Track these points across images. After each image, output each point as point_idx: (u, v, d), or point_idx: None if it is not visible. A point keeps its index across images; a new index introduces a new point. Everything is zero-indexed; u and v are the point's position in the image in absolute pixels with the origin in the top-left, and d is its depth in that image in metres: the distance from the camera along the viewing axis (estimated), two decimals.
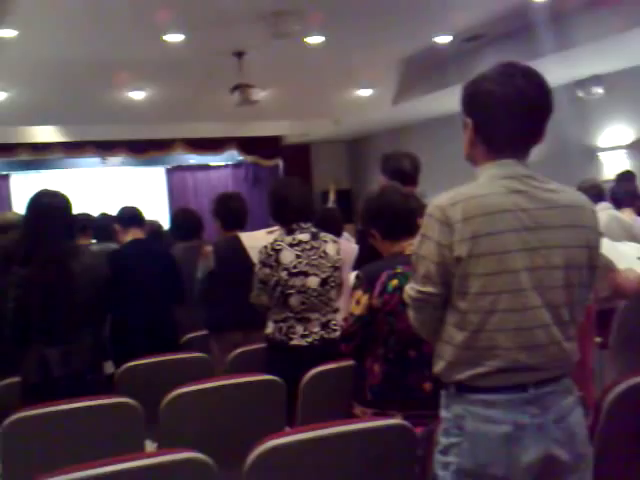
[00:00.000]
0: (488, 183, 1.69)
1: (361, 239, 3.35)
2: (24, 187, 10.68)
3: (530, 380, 1.64)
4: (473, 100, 1.74)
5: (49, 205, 2.93)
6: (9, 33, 5.62)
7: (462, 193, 1.67)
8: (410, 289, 1.76)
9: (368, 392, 2.42)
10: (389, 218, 2.51)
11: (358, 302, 2.45)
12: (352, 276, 2.67)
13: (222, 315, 3.71)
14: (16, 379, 2.90)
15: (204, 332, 3.86)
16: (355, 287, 2.49)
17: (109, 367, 3.12)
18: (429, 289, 1.68)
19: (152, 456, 1.84)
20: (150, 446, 2.56)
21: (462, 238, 1.62)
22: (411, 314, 1.80)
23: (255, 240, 3.41)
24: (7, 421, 2.30)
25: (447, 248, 1.64)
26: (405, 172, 3.22)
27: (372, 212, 2.57)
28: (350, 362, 2.61)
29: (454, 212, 1.64)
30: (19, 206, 9.83)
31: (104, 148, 10.11)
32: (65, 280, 2.86)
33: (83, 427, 2.40)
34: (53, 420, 2.37)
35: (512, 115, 1.68)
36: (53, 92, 7.03)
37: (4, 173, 10.70)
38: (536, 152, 1.76)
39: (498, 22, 6.18)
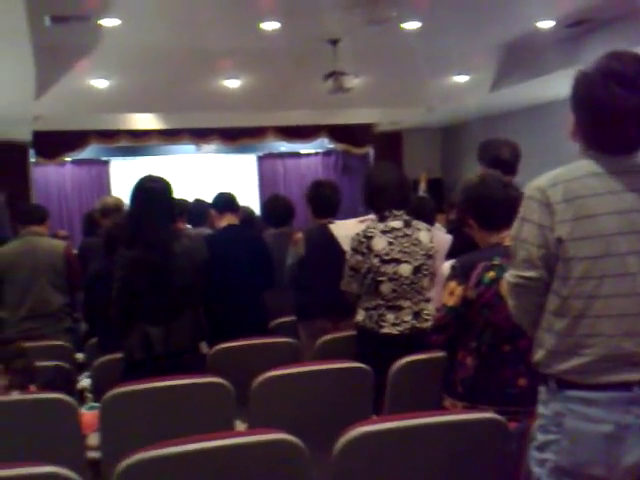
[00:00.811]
0: (591, 164, 1.62)
1: (456, 229, 3.28)
2: (123, 172, 11.12)
3: (635, 378, 1.56)
4: (574, 98, 1.68)
5: (153, 190, 3.04)
6: (113, 22, 5.83)
7: (563, 174, 1.62)
8: (509, 276, 1.71)
9: (459, 385, 2.37)
10: (488, 207, 2.44)
11: (452, 293, 2.40)
12: (445, 266, 2.62)
13: (311, 302, 3.74)
14: (119, 355, 3.02)
15: (293, 318, 3.91)
16: (449, 278, 2.44)
17: (204, 348, 3.20)
18: (530, 274, 1.64)
19: (246, 435, 1.88)
20: (240, 426, 2.61)
21: (563, 219, 1.57)
22: (510, 302, 1.75)
23: (346, 229, 3.40)
24: (108, 395, 2.40)
25: (549, 229, 1.59)
26: (504, 161, 3.13)
27: (471, 201, 2.50)
28: (441, 353, 2.57)
29: (554, 193, 1.59)
30: (118, 191, 10.25)
31: (199, 135, 10.34)
32: (167, 262, 2.96)
33: (178, 404, 2.47)
34: (150, 396, 2.46)
35: (614, 116, 1.60)
36: (152, 80, 7.24)
37: (104, 159, 11.15)
38: None
39: (604, 7, 5.88)
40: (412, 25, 6.26)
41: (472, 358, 2.36)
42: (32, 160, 9.65)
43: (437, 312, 2.56)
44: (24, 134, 8.58)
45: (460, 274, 2.39)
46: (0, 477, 1.63)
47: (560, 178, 1.61)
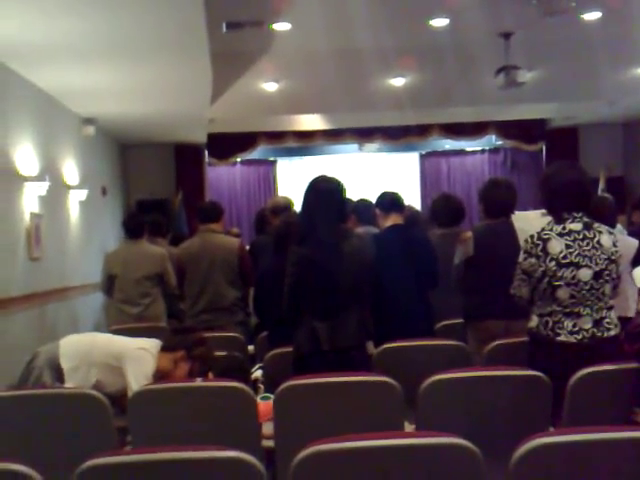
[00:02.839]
0: None
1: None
2: (289, 172, 11.49)
3: None
4: None
5: (325, 189, 3.10)
6: (284, 27, 6.03)
7: None
8: None
9: None
10: None
11: None
12: (637, 272, 2.43)
13: (480, 303, 3.64)
14: (288, 349, 3.12)
15: (460, 320, 3.82)
16: None
17: (371, 347, 3.20)
18: None
19: (420, 436, 1.86)
20: (408, 427, 2.59)
21: None
22: None
23: (527, 221, 3.25)
24: (282, 386, 2.48)
25: None
26: None
27: None
28: (631, 364, 2.39)
29: None
30: (284, 190, 10.61)
31: (361, 135, 10.44)
32: (337, 260, 3.00)
33: (347, 400, 2.50)
34: (321, 390, 2.51)
35: None
36: (319, 81, 7.41)
37: (272, 159, 11.59)
38: None
39: None
40: (592, 15, 5.94)
41: None
42: (206, 161, 10.21)
43: (631, 319, 2.38)
44: (200, 136, 9.10)
45: None
46: (187, 459, 1.73)
47: None
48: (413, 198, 10.48)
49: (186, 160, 9.67)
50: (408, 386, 2.52)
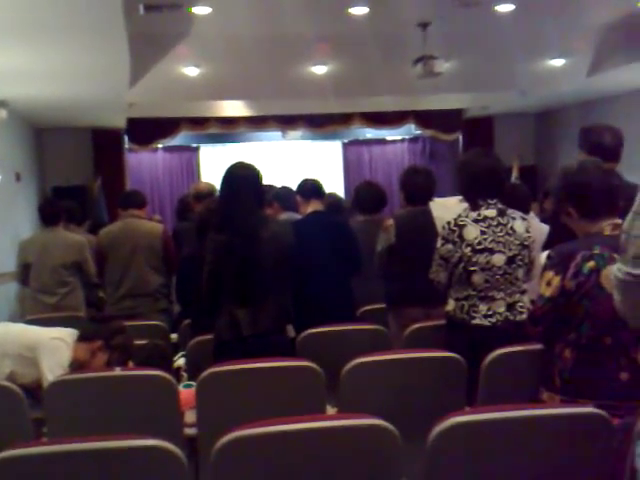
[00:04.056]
0: None
1: (552, 218, 3.18)
2: (212, 159, 11.36)
3: None
4: None
5: (242, 176, 3.10)
6: (204, 10, 5.93)
7: None
8: (617, 271, 1.64)
9: (557, 378, 2.31)
10: (589, 196, 2.35)
11: (549, 283, 2.33)
12: (542, 256, 2.54)
13: (401, 290, 3.72)
14: (209, 336, 3.10)
15: (381, 306, 3.89)
16: (546, 267, 2.37)
17: (290, 331, 3.23)
18: (639, 271, 1.56)
19: (340, 418, 1.89)
20: (330, 410, 2.63)
21: None
22: (616, 297, 1.67)
23: (446, 209, 3.34)
24: (204, 374, 2.47)
25: None
26: (606, 147, 3.00)
27: (570, 189, 2.41)
28: (537, 346, 2.50)
29: None
30: (207, 177, 10.48)
31: (285, 122, 10.42)
32: (255, 247, 3.00)
33: (270, 385, 2.52)
34: (243, 376, 2.52)
35: None
36: (241, 67, 7.33)
37: (194, 145, 11.42)
38: None
39: None
40: (506, 7, 6.07)
41: (571, 350, 2.30)
42: (126, 147, 9.95)
43: (534, 303, 2.49)
44: (119, 121, 8.83)
45: (558, 264, 2.32)
46: (106, 448, 1.71)
47: None
48: (336, 186, 10.55)
49: (105, 145, 9.39)
50: (331, 370, 2.56)
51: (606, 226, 2.31)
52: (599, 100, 8.87)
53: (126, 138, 9.76)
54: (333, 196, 5.38)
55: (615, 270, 1.66)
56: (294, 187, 4.30)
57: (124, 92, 6.98)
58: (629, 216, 1.61)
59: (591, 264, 2.25)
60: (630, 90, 8.33)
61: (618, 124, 3.26)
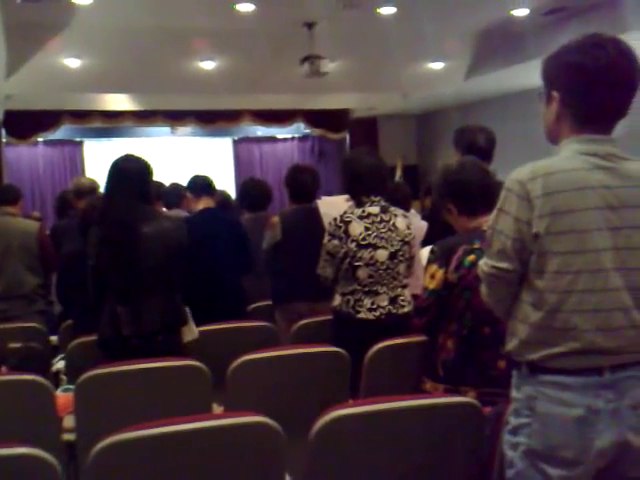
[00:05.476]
0: (571, 158, 1.64)
1: (431, 215, 3.31)
2: (96, 154, 10.97)
3: (606, 364, 1.59)
4: (560, 72, 1.68)
5: (126, 169, 3.00)
6: (85, 0, 5.73)
7: (543, 167, 1.63)
8: (484, 264, 1.73)
9: (440, 368, 2.40)
10: (468, 193, 2.46)
11: (433, 276, 2.42)
12: (423, 252, 2.64)
13: (287, 286, 3.75)
14: (93, 338, 3.00)
15: (269, 302, 3.91)
16: (430, 261, 2.46)
17: (190, 332, 3.15)
18: (504, 265, 1.65)
19: (221, 417, 1.88)
20: (217, 409, 2.61)
21: (541, 214, 1.58)
22: (483, 290, 1.77)
23: (333, 206, 3.39)
24: (83, 377, 2.39)
25: (525, 224, 1.60)
26: (480, 147, 3.15)
27: (450, 186, 2.51)
28: (420, 337, 2.59)
29: (534, 187, 1.59)
30: (92, 172, 10.11)
31: (173, 118, 10.24)
32: (135, 242, 2.91)
33: (154, 387, 2.46)
34: (126, 378, 2.45)
35: (602, 86, 1.62)
36: (126, 60, 7.14)
37: (78, 139, 11.00)
38: (618, 130, 1.69)
39: None
40: (387, 10, 6.24)
41: (453, 341, 2.39)
42: (3, 140, 9.47)
43: (417, 296, 2.58)
44: None
45: (440, 257, 2.41)
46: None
47: (540, 171, 1.61)
48: (227, 183, 10.47)
49: None
50: (220, 369, 2.54)
51: (484, 222, 2.42)
52: (476, 103, 9.31)
53: (3, 131, 9.30)
54: (222, 193, 5.35)
55: (482, 264, 1.75)
56: (178, 183, 4.23)
57: (0, 83, 6.62)
58: (494, 212, 1.71)
59: (472, 257, 2.35)
60: (504, 94, 8.80)
61: (494, 126, 3.42)
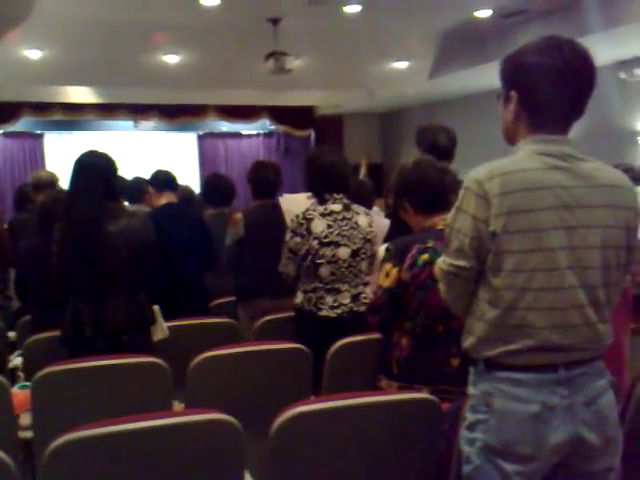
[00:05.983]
0: (528, 158, 1.66)
1: (393, 213, 3.33)
2: (57, 147, 10.77)
3: (561, 360, 1.62)
4: (519, 72, 1.70)
5: (89, 164, 2.96)
6: None
7: (501, 167, 1.65)
8: (442, 262, 1.75)
9: (395, 366, 2.42)
10: (423, 192, 2.48)
11: (387, 275, 2.43)
12: (381, 249, 2.65)
13: (250, 282, 3.74)
14: (51, 334, 2.95)
15: (231, 299, 3.90)
16: (385, 260, 2.47)
17: (160, 332, 3.08)
18: (461, 263, 1.67)
19: (180, 415, 1.87)
20: (177, 407, 2.59)
21: (498, 213, 1.60)
22: (442, 288, 1.78)
23: (295, 204, 3.39)
24: (39, 374, 2.35)
25: (483, 222, 1.62)
26: (441, 146, 3.18)
27: (406, 185, 2.53)
28: (377, 335, 2.61)
29: (492, 186, 1.61)
30: (53, 166, 9.93)
31: (137, 111, 10.11)
32: (98, 239, 2.87)
33: (112, 384, 2.44)
34: (82, 375, 2.42)
35: (559, 87, 1.65)
36: (88, 52, 7.04)
37: (38, 132, 10.78)
38: (575, 131, 1.72)
39: None
40: (352, 8, 6.24)
41: (407, 339, 2.41)
42: None
43: (373, 294, 2.60)
44: None
45: (395, 256, 2.42)
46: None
47: (498, 171, 1.63)
48: (192, 178, 10.38)
49: None
50: (181, 365, 2.52)
51: (439, 221, 2.44)
52: (439, 103, 9.39)
53: None
54: (185, 188, 5.31)
55: (440, 262, 1.77)
56: (139, 178, 4.19)
57: None
58: (452, 211, 1.73)
59: (425, 257, 2.37)
60: (467, 94, 8.89)
61: (456, 125, 3.46)
